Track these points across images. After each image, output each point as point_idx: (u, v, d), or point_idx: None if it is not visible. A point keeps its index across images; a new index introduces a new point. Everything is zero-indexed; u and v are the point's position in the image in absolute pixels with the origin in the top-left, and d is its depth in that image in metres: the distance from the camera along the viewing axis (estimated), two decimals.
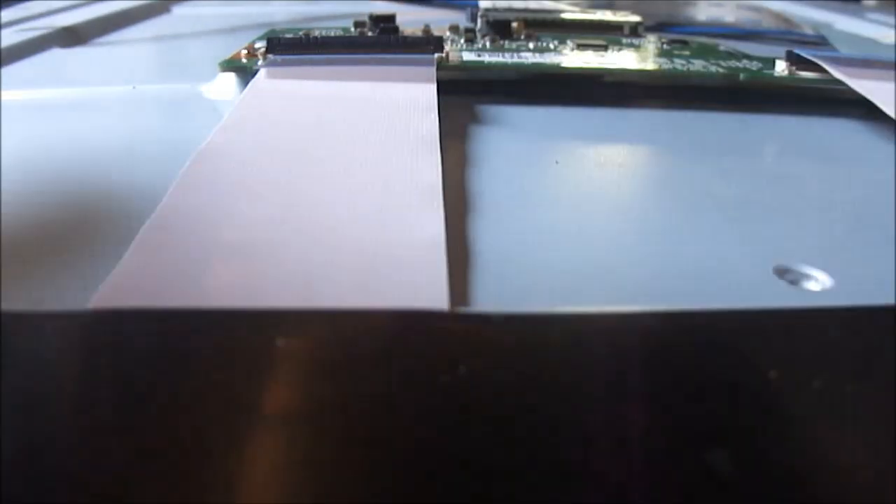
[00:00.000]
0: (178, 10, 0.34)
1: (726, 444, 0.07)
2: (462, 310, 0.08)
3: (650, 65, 0.19)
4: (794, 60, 0.19)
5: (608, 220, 0.11)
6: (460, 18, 0.26)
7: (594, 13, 0.26)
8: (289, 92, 0.15)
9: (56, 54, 0.24)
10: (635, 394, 0.07)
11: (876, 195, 0.13)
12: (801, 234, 0.11)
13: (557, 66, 0.19)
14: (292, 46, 0.19)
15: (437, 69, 0.17)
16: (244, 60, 0.19)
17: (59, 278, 0.09)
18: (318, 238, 0.09)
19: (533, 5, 0.28)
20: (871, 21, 0.34)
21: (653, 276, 0.10)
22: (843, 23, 0.33)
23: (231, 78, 0.18)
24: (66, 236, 0.11)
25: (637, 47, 0.22)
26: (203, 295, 0.08)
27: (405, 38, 0.20)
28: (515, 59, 0.19)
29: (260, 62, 0.18)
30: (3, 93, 0.18)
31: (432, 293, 0.08)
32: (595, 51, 0.21)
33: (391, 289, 0.08)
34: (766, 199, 0.12)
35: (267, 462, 0.06)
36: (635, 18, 0.25)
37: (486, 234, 0.11)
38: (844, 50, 0.25)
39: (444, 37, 0.21)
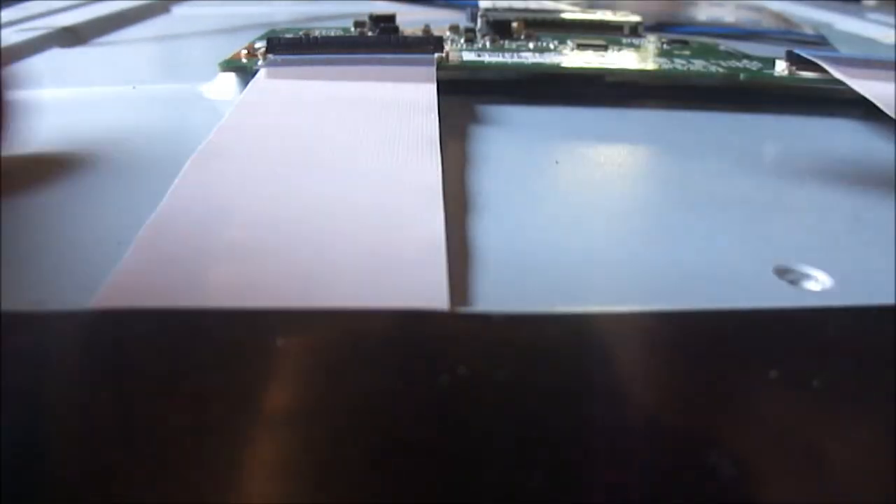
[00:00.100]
0: (178, 10, 0.34)
1: (726, 444, 0.07)
2: (462, 310, 0.08)
3: (650, 65, 0.19)
4: (794, 60, 0.19)
5: (608, 220, 0.11)
6: (460, 18, 0.26)
7: (594, 13, 0.26)
8: (289, 92, 0.15)
9: (56, 54, 0.24)
10: (635, 394, 0.07)
11: (876, 195, 0.13)
12: (801, 234, 0.11)
13: (557, 66, 0.19)
14: (292, 46, 0.19)
15: (437, 69, 0.17)
16: (244, 60, 0.19)
17: (60, 278, 0.09)
18: (318, 238, 0.09)
19: (533, 5, 0.28)
20: (871, 21, 0.34)
21: (653, 276, 0.10)
22: (843, 23, 0.33)
23: (231, 78, 0.18)
24: (66, 236, 0.11)
25: (637, 47, 0.22)
26: (203, 295, 0.08)
27: (405, 38, 0.20)
28: (515, 59, 0.19)
29: (260, 62, 0.18)
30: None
31: (432, 293, 0.08)
32: (595, 51, 0.21)
33: (391, 288, 0.08)
34: (766, 199, 0.12)
35: (267, 462, 0.06)
36: (635, 18, 0.25)
37: (486, 234, 0.11)
38: (844, 50, 0.25)
39: (444, 37, 0.21)
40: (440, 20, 0.24)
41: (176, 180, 0.11)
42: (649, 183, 0.13)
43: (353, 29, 0.23)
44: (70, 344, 0.08)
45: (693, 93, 0.18)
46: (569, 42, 0.21)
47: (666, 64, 0.19)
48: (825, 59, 0.18)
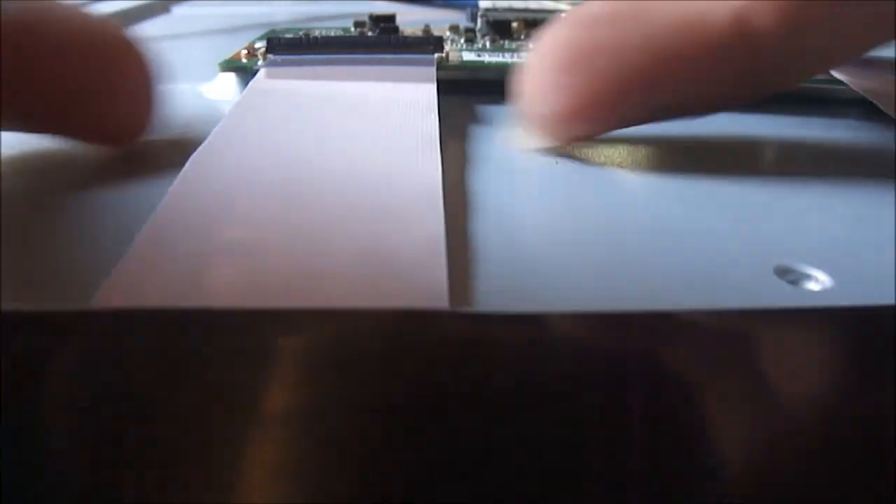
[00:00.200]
0: (178, 10, 0.34)
1: (725, 443, 0.07)
2: (462, 310, 0.08)
3: None
4: None
5: (608, 220, 0.11)
6: (460, 18, 0.26)
7: None
8: (289, 92, 0.15)
9: None
10: (635, 393, 0.07)
11: (876, 195, 0.13)
12: (801, 234, 0.11)
13: None
14: (292, 46, 0.19)
15: (437, 69, 0.17)
16: (244, 60, 0.19)
17: (60, 278, 0.09)
18: (318, 238, 0.09)
19: (533, 5, 0.28)
20: None
21: (653, 275, 0.10)
22: None
23: (231, 78, 0.18)
24: (65, 236, 0.11)
25: None
26: (203, 295, 0.08)
27: (405, 38, 0.20)
28: (515, 59, 0.19)
29: (260, 62, 0.18)
30: None
31: (432, 293, 0.08)
32: None
33: (391, 288, 0.08)
34: (766, 199, 0.12)
35: (267, 462, 0.06)
36: None
37: (486, 234, 0.11)
38: None
39: (444, 37, 0.21)
40: (440, 20, 0.24)
41: (175, 180, 0.11)
42: (649, 183, 0.13)
43: (353, 29, 0.23)
44: (69, 344, 0.08)
45: None
46: None
47: None
48: None
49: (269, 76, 0.17)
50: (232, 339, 0.08)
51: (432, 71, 0.17)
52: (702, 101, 0.14)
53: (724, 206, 0.12)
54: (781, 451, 0.07)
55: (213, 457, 0.06)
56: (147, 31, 0.29)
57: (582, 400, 0.07)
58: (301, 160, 0.12)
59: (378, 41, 0.20)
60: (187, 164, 0.11)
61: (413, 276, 0.09)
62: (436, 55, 0.18)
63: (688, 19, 0.12)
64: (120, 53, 0.13)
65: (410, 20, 0.24)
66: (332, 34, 0.22)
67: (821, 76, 0.18)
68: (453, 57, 0.19)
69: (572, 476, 0.06)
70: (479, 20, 0.24)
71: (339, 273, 0.09)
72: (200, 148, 0.12)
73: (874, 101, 0.16)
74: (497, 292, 0.09)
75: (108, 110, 0.13)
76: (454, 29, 0.23)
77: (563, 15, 0.14)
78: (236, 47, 0.20)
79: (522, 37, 0.22)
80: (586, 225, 0.11)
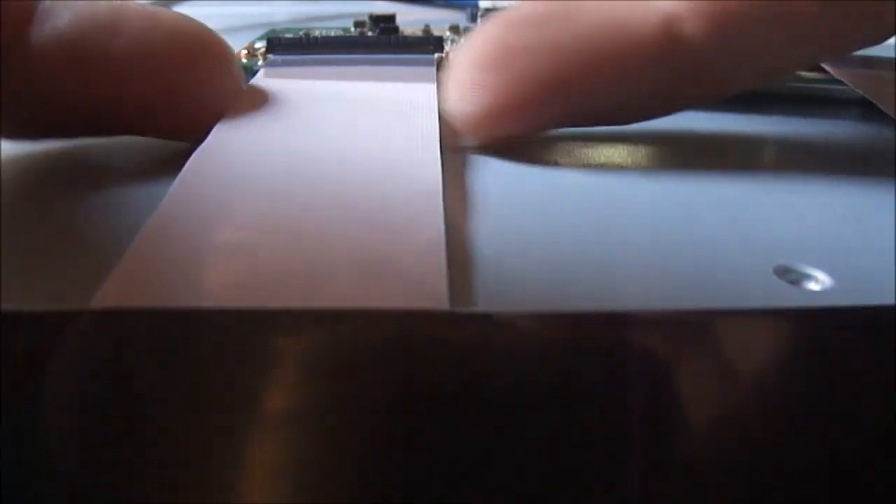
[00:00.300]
0: (178, 11, 0.34)
1: (724, 442, 0.07)
2: (462, 310, 0.08)
3: None
4: None
5: (608, 220, 0.11)
6: (460, 18, 0.26)
7: None
8: (289, 92, 0.15)
9: None
10: (635, 393, 0.07)
11: (876, 195, 0.13)
12: (801, 234, 0.11)
13: None
14: (292, 46, 0.19)
15: (437, 69, 0.17)
16: (244, 60, 0.19)
17: (60, 278, 0.09)
18: (318, 238, 0.09)
19: None
20: None
21: (653, 276, 0.10)
22: None
23: None
24: (65, 236, 0.11)
25: None
26: (203, 295, 0.08)
27: (405, 38, 0.20)
28: None
29: (260, 62, 0.18)
30: None
31: (432, 293, 0.08)
32: None
33: (391, 289, 0.08)
34: (766, 199, 0.12)
35: (267, 462, 0.06)
36: None
37: (486, 234, 0.11)
38: None
39: (444, 37, 0.21)
40: (440, 20, 0.24)
41: (175, 180, 0.11)
42: (648, 183, 0.13)
43: (353, 29, 0.23)
44: (69, 344, 0.08)
45: None
46: None
47: None
48: None
49: (269, 76, 0.17)
50: (231, 340, 0.08)
51: (432, 71, 0.17)
52: (629, 106, 0.13)
53: (725, 206, 0.12)
54: (781, 451, 0.07)
55: (212, 457, 0.06)
56: None
57: (582, 400, 0.07)
58: (301, 160, 0.12)
59: (378, 41, 0.20)
60: (187, 165, 0.11)
61: (413, 276, 0.09)
62: (436, 55, 0.18)
63: (618, 23, 0.12)
64: (210, 49, 0.13)
65: (410, 20, 0.24)
66: (332, 34, 0.22)
67: (821, 76, 0.18)
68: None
69: (572, 476, 0.06)
70: (479, 20, 0.24)
71: (339, 273, 0.09)
72: (200, 148, 0.12)
73: (874, 101, 0.16)
74: (497, 292, 0.09)
75: (196, 109, 0.13)
76: (454, 29, 0.23)
77: (495, 14, 0.14)
78: (236, 47, 0.20)
79: None
80: (586, 225, 0.11)
